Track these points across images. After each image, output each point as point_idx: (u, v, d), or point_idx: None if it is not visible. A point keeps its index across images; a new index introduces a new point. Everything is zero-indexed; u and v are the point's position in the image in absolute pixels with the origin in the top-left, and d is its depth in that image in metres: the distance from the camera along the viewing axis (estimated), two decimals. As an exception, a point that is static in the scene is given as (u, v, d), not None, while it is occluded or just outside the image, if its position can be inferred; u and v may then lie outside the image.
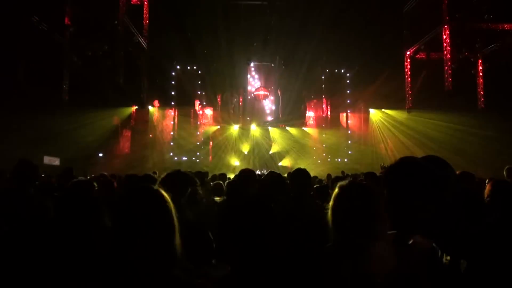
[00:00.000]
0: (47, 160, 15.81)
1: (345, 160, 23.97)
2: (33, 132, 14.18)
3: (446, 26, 15.36)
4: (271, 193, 3.50)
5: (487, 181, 5.81)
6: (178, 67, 23.88)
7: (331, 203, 1.76)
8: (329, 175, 10.83)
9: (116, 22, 16.27)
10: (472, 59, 15.79)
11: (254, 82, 26.86)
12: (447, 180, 1.63)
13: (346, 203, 1.69)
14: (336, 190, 1.77)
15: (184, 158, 22.84)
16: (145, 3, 18.97)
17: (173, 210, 1.48)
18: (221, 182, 5.64)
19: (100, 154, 19.04)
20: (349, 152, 24.43)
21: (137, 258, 1.36)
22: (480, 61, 16.04)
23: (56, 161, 16.68)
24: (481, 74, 16.39)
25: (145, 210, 1.43)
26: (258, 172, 19.24)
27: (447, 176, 1.66)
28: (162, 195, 1.50)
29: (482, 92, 17.06)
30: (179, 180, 2.65)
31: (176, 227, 1.47)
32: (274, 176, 3.71)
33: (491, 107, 16.30)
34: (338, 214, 1.71)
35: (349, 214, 1.65)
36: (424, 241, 1.55)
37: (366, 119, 24.11)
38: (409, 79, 18.94)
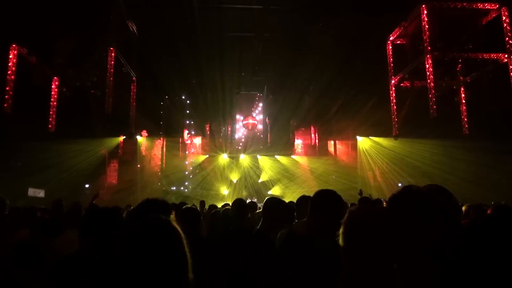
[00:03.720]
0: (31, 192, 15.43)
1: (334, 188, 23.92)
2: (18, 163, 13.90)
3: (428, 55, 15.83)
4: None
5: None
6: (166, 97, 23.96)
7: (341, 229, 1.70)
8: None
9: (105, 53, 16.37)
10: (454, 87, 16.23)
11: (242, 111, 27.06)
12: (449, 207, 1.65)
13: (358, 228, 1.64)
14: (346, 215, 1.73)
15: (172, 188, 22.56)
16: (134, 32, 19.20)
17: (185, 242, 1.43)
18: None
19: (87, 186, 18.67)
20: (338, 179, 24.45)
21: None
22: (462, 88, 16.48)
23: (41, 193, 16.29)
24: (463, 101, 16.81)
25: (159, 243, 1.37)
26: (248, 200, 19.03)
27: (449, 204, 1.68)
28: (175, 227, 1.46)
29: (465, 119, 17.45)
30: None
31: (189, 260, 1.42)
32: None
33: (475, 133, 16.67)
34: (350, 239, 1.66)
35: (362, 239, 1.60)
36: (431, 269, 1.52)
37: (354, 146, 24.33)
38: (395, 107, 19.27)
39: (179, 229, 1.45)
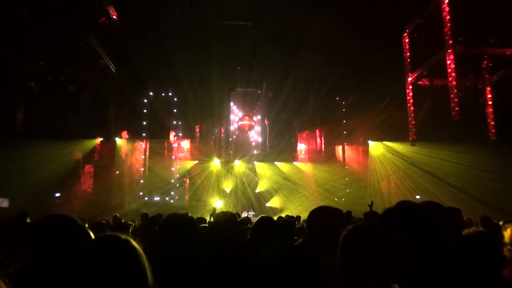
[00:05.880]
0: (-6, 201, 15.48)
1: (343, 199, 24.07)
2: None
3: (449, 50, 16.01)
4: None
5: (502, 223, 5.97)
6: (150, 93, 24.05)
7: (339, 248, 1.80)
8: None
9: (81, 43, 16.47)
10: (479, 86, 16.37)
11: (238, 111, 27.13)
12: (441, 224, 1.84)
13: (355, 246, 1.75)
14: (344, 232, 1.83)
15: (156, 198, 22.60)
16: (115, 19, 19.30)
17: (146, 263, 1.52)
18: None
19: (57, 194, 18.72)
20: (347, 190, 24.57)
21: None
22: (488, 88, 16.63)
23: (4, 203, 16.33)
24: (490, 102, 16.96)
25: (115, 264, 1.44)
26: (245, 214, 19.11)
27: (442, 220, 1.86)
28: (133, 246, 1.53)
29: (492, 123, 17.58)
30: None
31: (150, 282, 1.51)
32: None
33: (503, 138, 16.74)
34: (347, 259, 1.76)
35: (361, 258, 1.70)
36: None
37: (366, 152, 24.43)
38: (412, 108, 19.37)
39: (138, 247, 1.53)
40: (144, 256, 1.52)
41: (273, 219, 4.40)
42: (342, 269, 1.76)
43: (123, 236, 1.55)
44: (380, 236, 1.77)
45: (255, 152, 26.87)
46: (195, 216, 10.81)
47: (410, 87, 19.38)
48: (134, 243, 1.54)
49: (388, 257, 1.67)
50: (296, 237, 6.05)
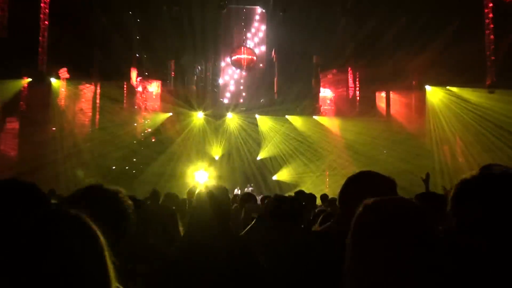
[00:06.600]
0: None
1: (385, 169, 24.15)
2: None
3: None
4: None
5: None
6: (103, 12, 23.74)
7: (349, 237, 1.75)
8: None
9: None
10: None
11: (232, 40, 26.97)
12: None
13: (375, 232, 1.66)
14: (360, 209, 1.77)
15: (113, 168, 22.76)
16: None
17: (106, 247, 1.50)
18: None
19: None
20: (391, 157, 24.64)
21: None
22: None
23: None
24: None
25: (64, 249, 1.40)
26: (237, 191, 19.26)
27: None
28: (89, 225, 1.51)
29: None
30: None
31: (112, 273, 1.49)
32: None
33: None
34: (360, 251, 1.69)
35: (381, 252, 1.61)
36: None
37: (421, 101, 24.41)
38: (492, 38, 19.21)
39: (94, 227, 1.52)
40: (103, 240, 1.53)
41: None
42: (351, 263, 1.74)
43: (73, 211, 1.54)
44: (420, 217, 1.71)
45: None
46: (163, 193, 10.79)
47: (490, 5, 19.10)
48: (88, 220, 1.53)
49: (427, 253, 1.60)
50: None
